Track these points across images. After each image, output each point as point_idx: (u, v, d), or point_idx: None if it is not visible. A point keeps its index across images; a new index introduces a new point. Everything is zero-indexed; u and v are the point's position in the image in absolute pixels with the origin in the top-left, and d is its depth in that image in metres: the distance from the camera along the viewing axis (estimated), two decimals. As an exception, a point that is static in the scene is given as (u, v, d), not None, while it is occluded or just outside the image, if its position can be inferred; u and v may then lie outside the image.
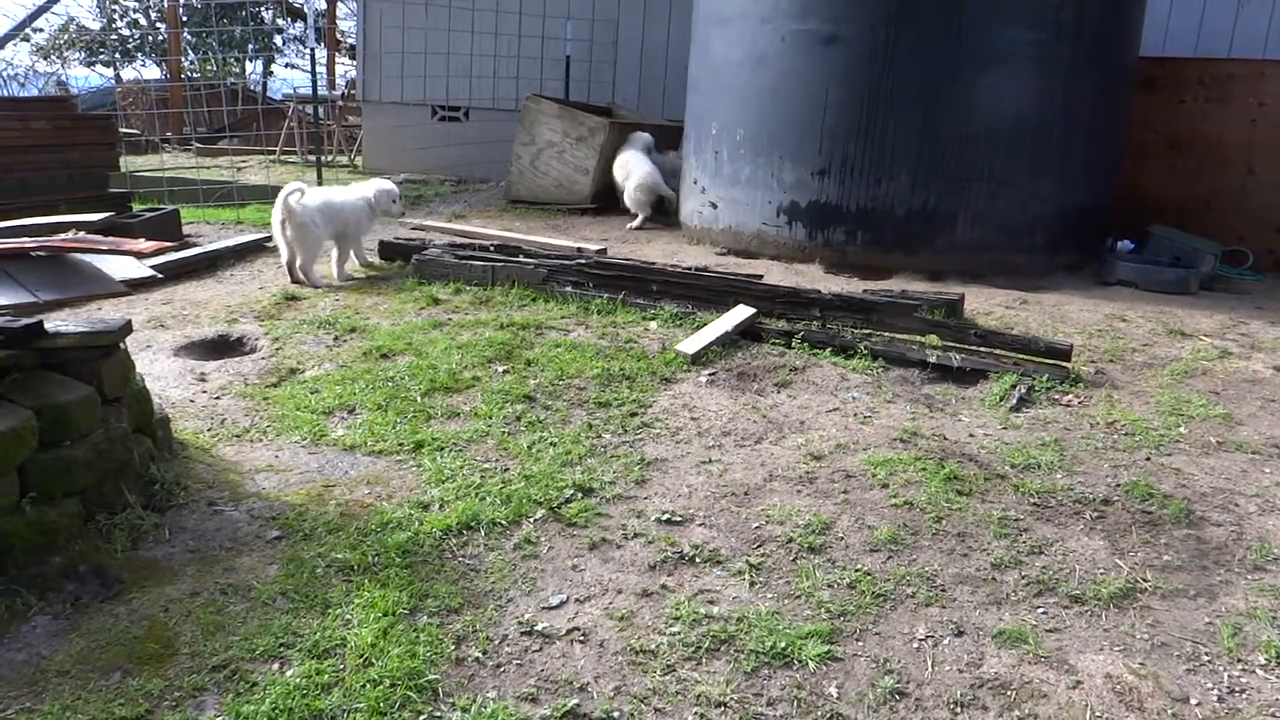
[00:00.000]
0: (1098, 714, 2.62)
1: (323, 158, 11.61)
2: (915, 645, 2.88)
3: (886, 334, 5.60)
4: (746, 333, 5.65)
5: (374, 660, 2.70)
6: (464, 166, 12.93)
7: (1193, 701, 2.70)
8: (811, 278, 7.14)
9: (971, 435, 4.43)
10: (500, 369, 5.08)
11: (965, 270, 7.46)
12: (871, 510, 3.66)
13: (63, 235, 3.62)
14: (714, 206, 8.45)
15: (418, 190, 12.31)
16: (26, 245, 3.44)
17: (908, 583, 3.19)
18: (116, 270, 3.60)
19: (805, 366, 5.22)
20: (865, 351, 5.34)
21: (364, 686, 2.59)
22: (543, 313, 6.08)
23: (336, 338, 5.66)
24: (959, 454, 4.17)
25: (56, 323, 3.68)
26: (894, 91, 7.41)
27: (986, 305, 6.71)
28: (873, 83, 7.43)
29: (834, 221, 7.72)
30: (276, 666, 2.69)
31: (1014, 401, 4.81)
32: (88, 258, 3.58)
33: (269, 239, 8.69)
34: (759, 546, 3.41)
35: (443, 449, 4.10)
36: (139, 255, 3.69)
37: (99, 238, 3.72)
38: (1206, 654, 2.90)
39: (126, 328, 3.83)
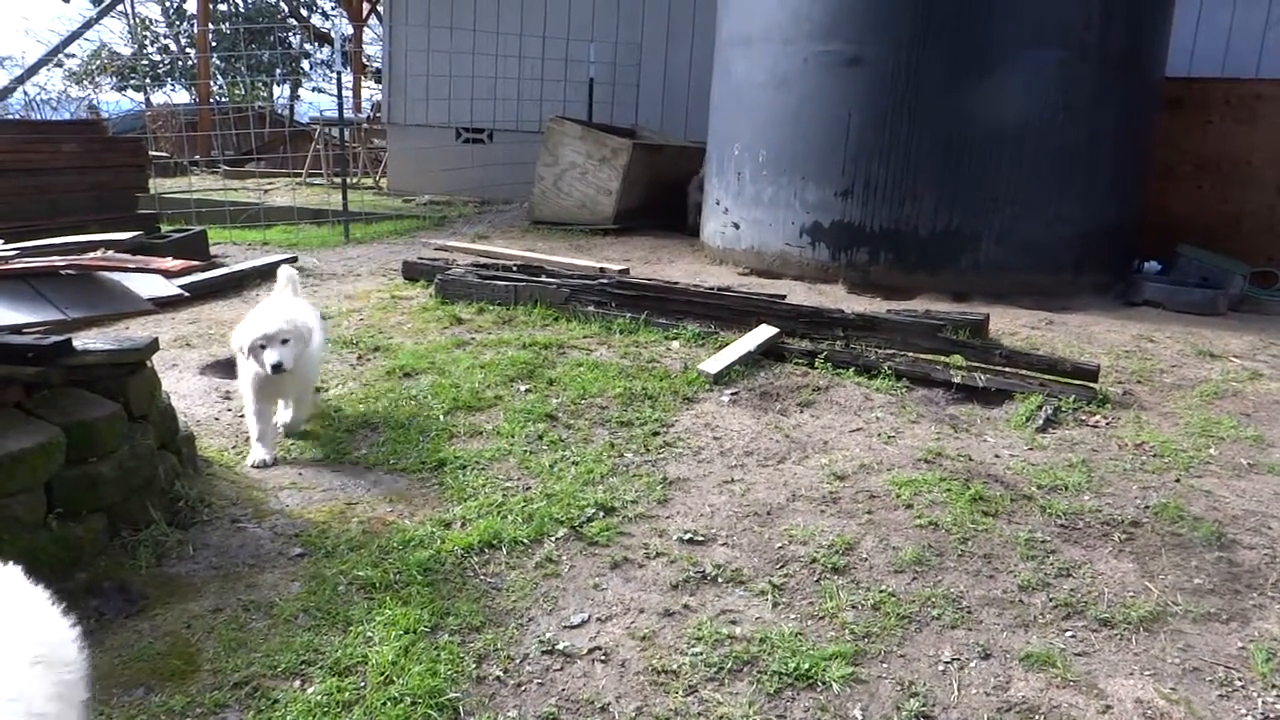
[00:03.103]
0: (1128, 739, 2.57)
1: (348, 180, 11.72)
2: (941, 668, 2.84)
3: (910, 354, 5.56)
4: (769, 352, 5.63)
5: (395, 678, 2.69)
6: (487, 188, 13.03)
7: (1226, 728, 2.64)
8: (834, 298, 7.12)
9: (997, 456, 4.38)
10: (523, 388, 5.08)
11: (990, 291, 7.42)
12: (896, 531, 3.62)
13: (91, 254, 3.67)
14: (736, 227, 8.45)
15: (442, 211, 12.41)
16: (56, 264, 3.48)
17: (933, 604, 3.15)
18: (144, 289, 3.63)
19: (828, 386, 5.19)
20: (889, 371, 5.31)
21: (385, 704, 2.58)
22: (565, 332, 6.09)
23: (360, 357, 5.69)
24: (984, 474, 4.12)
25: (84, 340, 3.72)
26: (917, 112, 7.41)
27: (1011, 326, 6.66)
28: (895, 103, 7.44)
29: (857, 242, 7.70)
30: (298, 684, 2.69)
31: (1040, 422, 4.76)
32: (116, 276, 3.61)
33: (294, 259, 8.79)
34: (782, 566, 3.38)
35: (465, 467, 4.11)
36: (167, 274, 3.72)
37: (127, 256, 3.76)
38: (1240, 679, 2.85)
39: (153, 346, 3.87)
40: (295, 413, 4.39)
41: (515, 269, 7.28)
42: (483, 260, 8.08)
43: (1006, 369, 5.37)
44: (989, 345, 5.73)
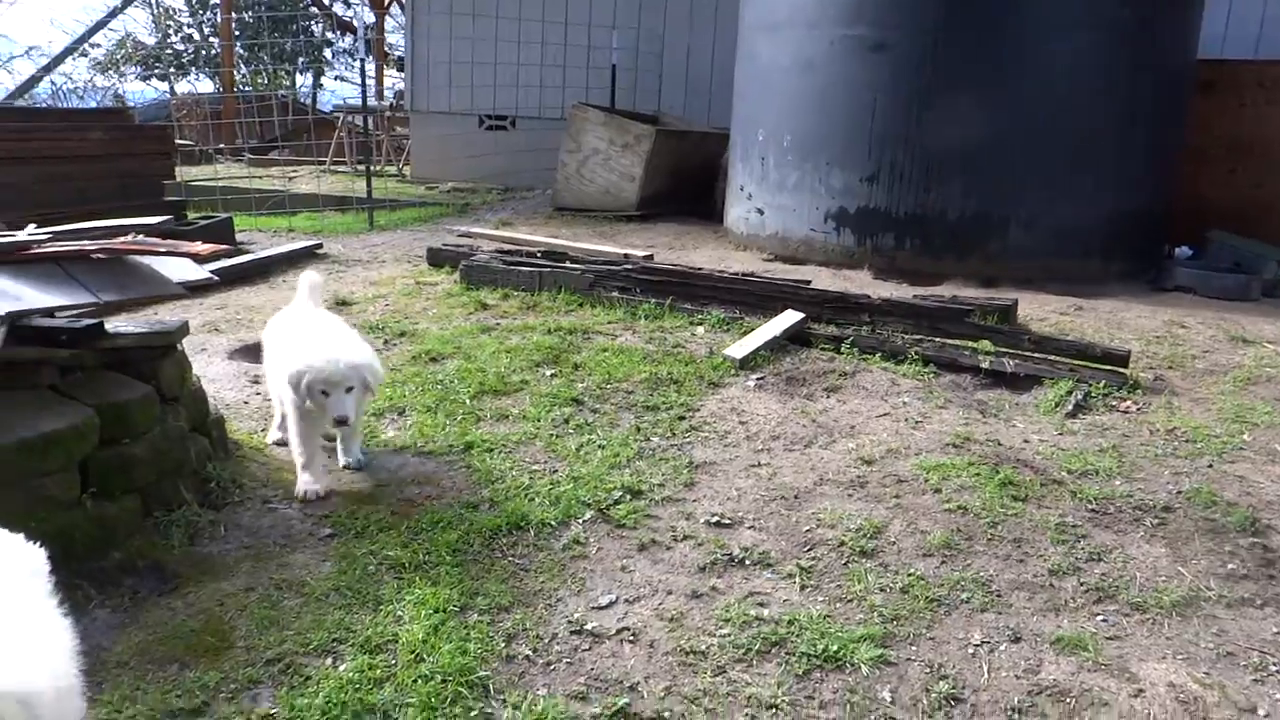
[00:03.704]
0: (1162, 723, 2.55)
1: (372, 167, 11.76)
2: (971, 651, 2.83)
3: (937, 339, 5.52)
4: (795, 338, 5.61)
5: (425, 656, 2.71)
6: (510, 174, 13.04)
7: (1260, 712, 2.61)
8: (860, 283, 7.08)
9: (1026, 441, 4.35)
10: (548, 373, 5.09)
11: (1018, 276, 7.35)
12: (924, 515, 3.61)
13: (122, 238, 3.68)
14: (760, 213, 8.42)
15: (465, 198, 12.43)
16: (87, 247, 3.50)
17: (962, 588, 3.13)
18: (174, 273, 3.65)
19: (855, 371, 5.17)
20: (916, 357, 5.27)
21: (416, 682, 2.60)
22: (590, 317, 6.09)
23: (386, 341, 5.71)
24: (1014, 459, 4.09)
25: (116, 324, 3.76)
26: (944, 96, 7.34)
27: (1041, 311, 6.61)
28: (922, 87, 7.38)
29: (883, 227, 7.65)
30: (330, 661, 2.71)
31: (1070, 407, 4.72)
32: (146, 260, 3.63)
33: (319, 246, 8.83)
34: (810, 550, 3.37)
35: (492, 450, 4.12)
36: (196, 258, 3.73)
37: (157, 240, 3.77)
38: (1274, 664, 2.82)
39: (183, 329, 3.90)
40: (352, 445, 3.90)
41: (539, 255, 7.29)
42: (507, 246, 8.09)
43: (1035, 354, 5.33)
44: (1017, 331, 5.68)
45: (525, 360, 5.23)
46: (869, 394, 4.88)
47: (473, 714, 2.51)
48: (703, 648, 2.82)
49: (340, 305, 6.51)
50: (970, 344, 5.43)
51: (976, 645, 2.85)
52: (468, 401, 4.67)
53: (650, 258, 7.62)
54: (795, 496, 3.75)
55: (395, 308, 6.49)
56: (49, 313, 3.42)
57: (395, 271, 7.76)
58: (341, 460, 3.89)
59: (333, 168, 15.53)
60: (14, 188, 7.80)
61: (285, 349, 3.74)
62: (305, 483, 3.62)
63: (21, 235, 3.55)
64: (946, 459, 4.06)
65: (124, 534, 3.25)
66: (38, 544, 2.13)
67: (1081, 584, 3.19)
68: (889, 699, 2.62)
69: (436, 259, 7.75)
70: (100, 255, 3.54)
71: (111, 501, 3.23)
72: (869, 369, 5.22)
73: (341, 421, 3.51)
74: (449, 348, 5.48)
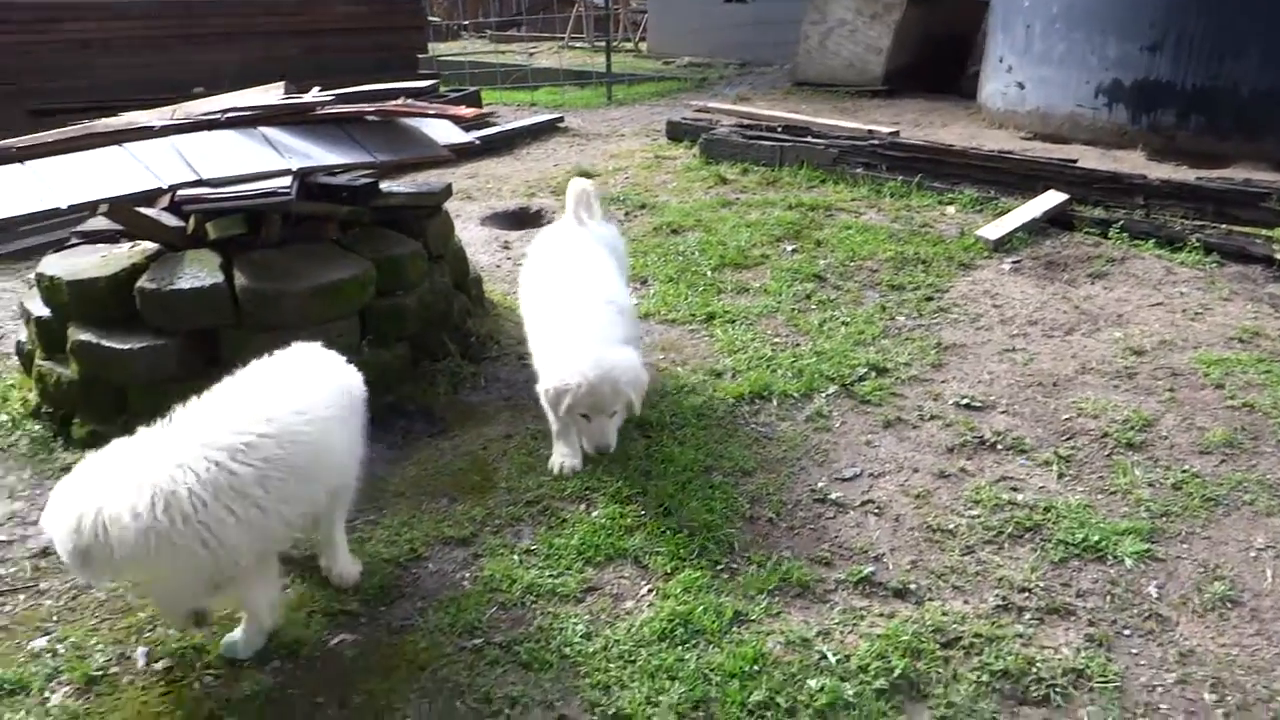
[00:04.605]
0: None
1: (610, 42, 11.77)
2: (1253, 554, 2.61)
3: (1223, 226, 4.98)
4: (1055, 220, 5.23)
5: (672, 510, 2.79)
6: (747, 49, 12.70)
7: None
8: (1132, 164, 6.46)
9: (1326, 340, 3.89)
10: (789, 248, 5.00)
11: (1322, 160, 6.47)
12: (1202, 410, 3.32)
13: (394, 101, 3.87)
14: (1020, 87, 7.80)
15: (701, 73, 12.25)
16: (365, 109, 3.71)
17: (1244, 489, 2.88)
18: (440, 136, 3.81)
19: (1124, 258, 4.77)
20: (1197, 244, 4.79)
21: (664, 532, 2.69)
22: (832, 194, 5.91)
23: (628, 213, 5.79)
24: (1310, 359, 3.68)
25: (387, 184, 3.99)
26: (1251, -50, 6.43)
27: (1348, 199, 5.81)
28: (1225, -60, 6.49)
29: (1163, 103, 6.91)
30: (583, 507, 2.85)
31: (1382, 306, 4.17)
32: (416, 122, 3.81)
33: (561, 119, 9.00)
34: (1068, 439, 3.19)
35: (733, 321, 4.13)
36: (460, 120, 3.88)
37: (426, 103, 3.94)
38: None
39: (448, 190, 4.10)
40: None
41: (779, 130, 7.10)
42: (745, 121, 7.93)
43: (1343, 246, 4.71)
44: (1321, 219, 5.03)
45: (766, 235, 5.16)
46: (1139, 282, 4.50)
47: (719, 567, 2.58)
48: (950, 526, 2.75)
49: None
50: (1264, 232, 4.87)
51: (1260, 549, 2.62)
52: (708, 273, 4.68)
53: (896, 134, 7.26)
54: (1054, 384, 3.55)
55: (635, 180, 6.55)
56: (331, 171, 3.67)
57: (634, 145, 7.80)
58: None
59: (571, 43, 15.68)
60: (279, 60, 8.32)
61: (545, 311, 3.14)
62: (560, 454, 3.04)
63: (307, 97, 3.80)
64: (1231, 354, 3.70)
65: (396, 379, 3.51)
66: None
67: (1389, 497, 2.86)
68: (1155, 594, 2.47)
69: (675, 133, 7.72)
70: (375, 117, 3.74)
71: (386, 349, 3.49)
72: (1140, 255, 4.80)
73: (603, 451, 2.89)
74: (689, 220, 5.48)
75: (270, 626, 2.32)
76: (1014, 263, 4.76)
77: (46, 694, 2.21)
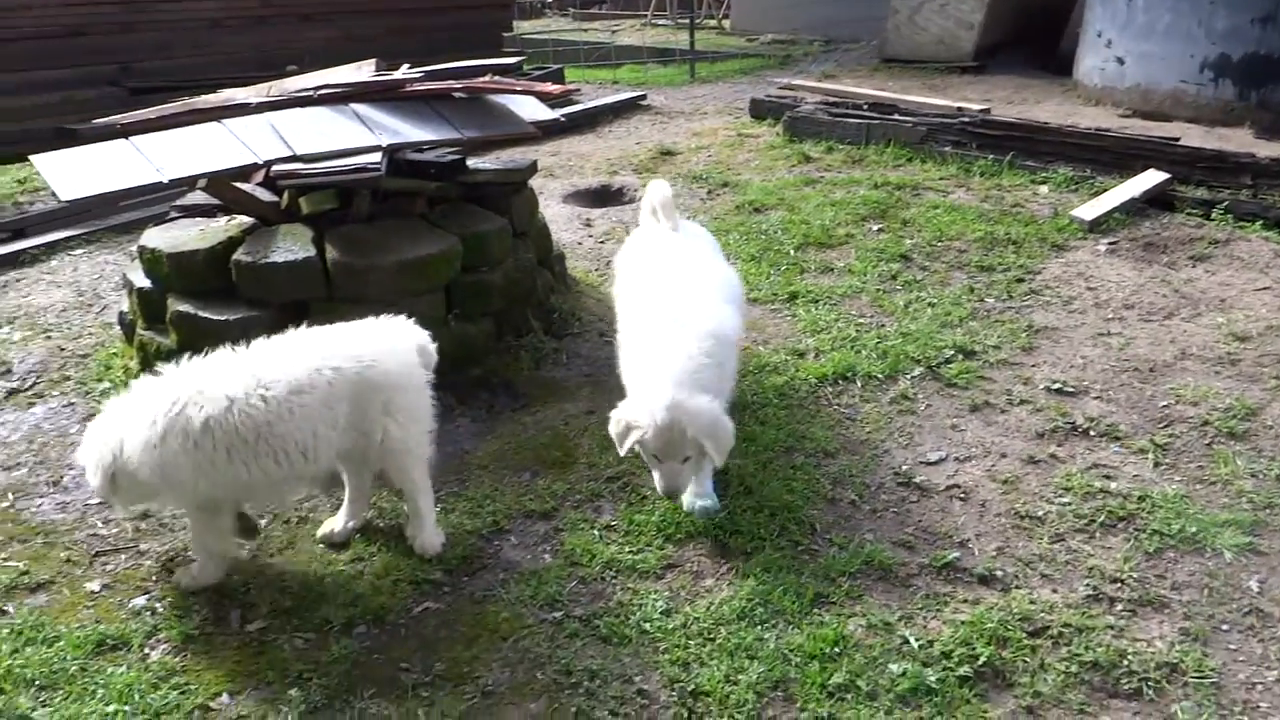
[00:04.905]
0: None
1: (694, 20, 11.67)
2: (1364, 552, 2.50)
3: (1338, 207, 4.75)
4: (1155, 200, 5.04)
5: (753, 490, 2.78)
6: (832, 26, 12.45)
7: None
8: (1239, 142, 6.19)
9: None
10: (874, 227, 4.92)
11: None
12: (1311, 400, 3.18)
13: (482, 78, 3.90)
14: (1120, 62, 7.52)
15: (786, 50, 12.08)
16: (452, 86, 3.74)
17: (1356, 484, 2.75)
18: (526, 113, 3.83)
19: (1228, 240, 4.57)
20: (1308, 226, 4.57)
21: (745, 512, 2.69)
22: (919, 173, 5.79)
23: (710, 191, 5.75)
24: None
25: (474, 160, 4.03)
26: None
27: None
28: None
29: (1274, 77, 6.59)
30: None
31: None
32: (502, 99, 3.83)
33: (643, 97, 8.97)
34: (1166, 426, 3.08)
35: (817, 301, 4.08)
36: (546, 97, 3.90)
37: (513, 80, 3.97)
38: None
39: (533, 167, 4.12)
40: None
41: (866, 107, 6.96)
42: (831, 99, 7.80)
43: None
44: None
45: (850, 214, 5.08)
46: (1245, 265, 4.31)
47: (799, 548, 2.57)
48: (1039, 513, 2.69)
49: (664, 155, 6.61)
50: (1381, 214, 4.62)
51: (1373, 547, 2.51)
52: (791, 252, 4.62)
53: (987, 111, 7.06)
54: (1150, 369, 3.43)
55: (717, 158, 6.50)
56: (419, 147, 3.72)
57: (717, 123, 7.74)
58: (686, 502, 2.73)
59: (654, 20, 15.59)
60: (366, 40, 8.43)
61: (632, 323, 2.92)
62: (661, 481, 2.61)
63: (397, 74, 3.85)
64: (1343, 342, 3.54)
65: (480, 354, 3.55)
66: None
67: None
68: (1256, 589, 2.38)
69: (758, 110, 7.63)
70: (462, 94, 3.78)
71: (471, 323, 3.53)
72: (1245, 238, 4.60)
73: (668, 495, 2.63)
74: (772, 199, 5.42)
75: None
76: (1110, 244, 4.60)
77: (146, 650, 2.31)
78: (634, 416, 2.57)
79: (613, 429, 2.64)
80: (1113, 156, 5.45)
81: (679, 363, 2.62)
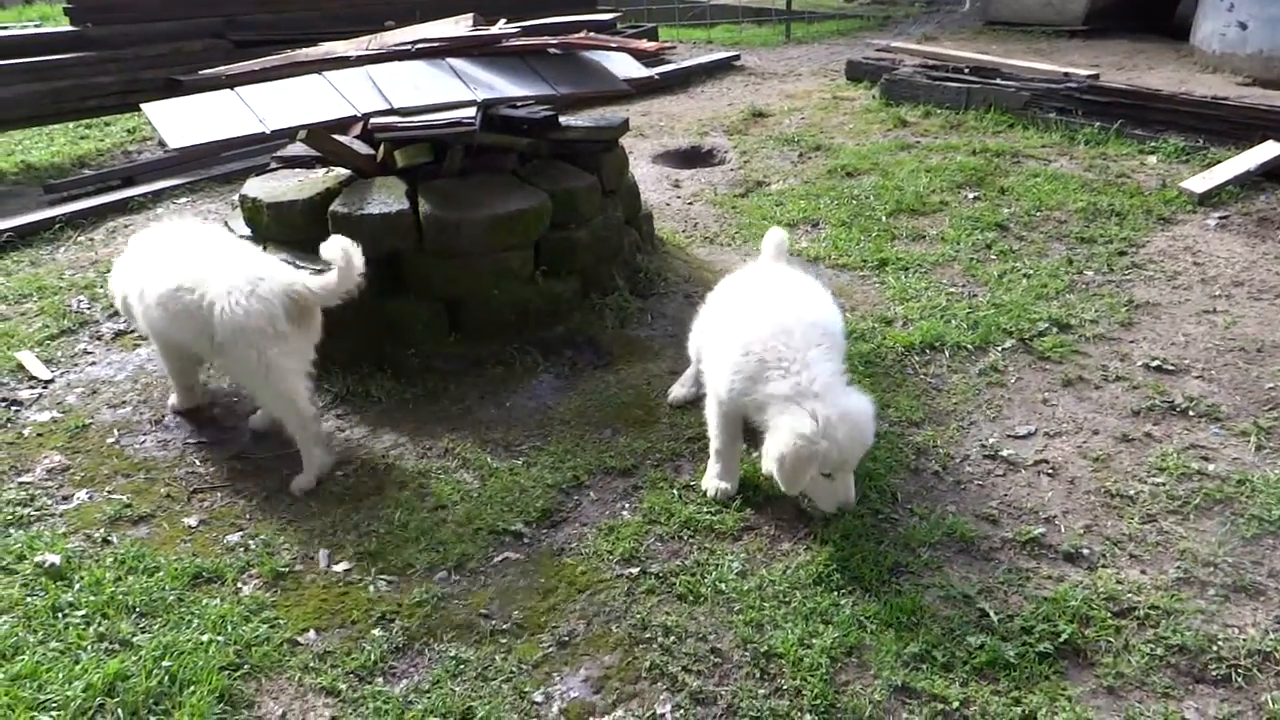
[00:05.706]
0: None
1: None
2: None
3: None
4: (1273, 174, 4.79)
5: (834, 456, 2.75)
6: (936, -14, 12.09)
7: None
8: (1367, 114, 5.84)
9: None
10: (970, 195, 4.79)
11: None
12: None
13: (577, 34, 3.90)
14: (1242, 27, 7.14)
15: (885, 11, 11.78)
16: (548, 42, 3.75)
17: None
18: (620, 70, 3.81)
19: (1351, 217, 4.34)
20: None
21: (825, 478, 2.67)
22: (1020, 139, 5.61)
23: (801, 154, 5.67)
24: None
25: (566, 118, 4.04)
26: None
27: None
28: None
29: None
30: (744, 447, 2.85)
31: None
32: (596, 56, 3.82)
33: (737, 58, 8.85)
34: (1271, 409, 2.96)
35: (907, 269, 4.00)
36: (641, 54, 3.88)
37: (608, 36, 3.96)
38: None
39: (624, 125, 4.10)
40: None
41: (966, 71, 6.76)
42: (930, 62, 7.59)
43: None
44: None
45: (946, 180, 4.95)
46: (1368, 244, 4.09)
47: (879, 516, 2.55)
48: (1131, 493, 2.61)
49: (755, 117, 6.53)
50: None
51: None
52: (883, 219, 4.54)
53: (1095, 77, 6.78)
54: (1258, 350, 3.29)
55: (811, 121, 6.39)
56: (513, 103, 3.74)
57: (811, 85, 7.61)
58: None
59: (750, -20, 15.32)
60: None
61: (738, 353, 2.52)
62: (715, 477, 2.69)
63: (494, 30, 3.87)
64: None
65: (566, 311, 3.58)
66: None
67: None
68: (1360, 583, 2.29)
69: (855, 73, 7.47)
70: (557, 50, 3.78)
71: (558, 280, 3.56)
72: (1370, 215, 4.36)
73: (845, 508, 2.47)
74: (865, 163, 5.32)
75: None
76: (1220, 218, 4.40)
77: (239, 585, 2.41)
78: (812, 432, 2.28)
79: (782, 467, 2.32)
80: (1229, 126, 5.20)
81: (828, 368, 2.42)
